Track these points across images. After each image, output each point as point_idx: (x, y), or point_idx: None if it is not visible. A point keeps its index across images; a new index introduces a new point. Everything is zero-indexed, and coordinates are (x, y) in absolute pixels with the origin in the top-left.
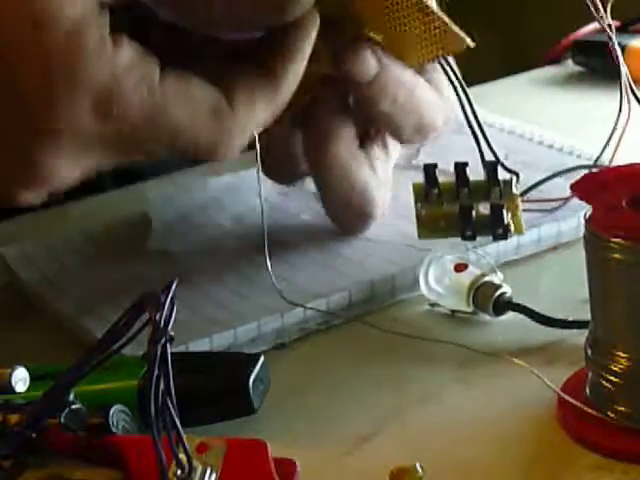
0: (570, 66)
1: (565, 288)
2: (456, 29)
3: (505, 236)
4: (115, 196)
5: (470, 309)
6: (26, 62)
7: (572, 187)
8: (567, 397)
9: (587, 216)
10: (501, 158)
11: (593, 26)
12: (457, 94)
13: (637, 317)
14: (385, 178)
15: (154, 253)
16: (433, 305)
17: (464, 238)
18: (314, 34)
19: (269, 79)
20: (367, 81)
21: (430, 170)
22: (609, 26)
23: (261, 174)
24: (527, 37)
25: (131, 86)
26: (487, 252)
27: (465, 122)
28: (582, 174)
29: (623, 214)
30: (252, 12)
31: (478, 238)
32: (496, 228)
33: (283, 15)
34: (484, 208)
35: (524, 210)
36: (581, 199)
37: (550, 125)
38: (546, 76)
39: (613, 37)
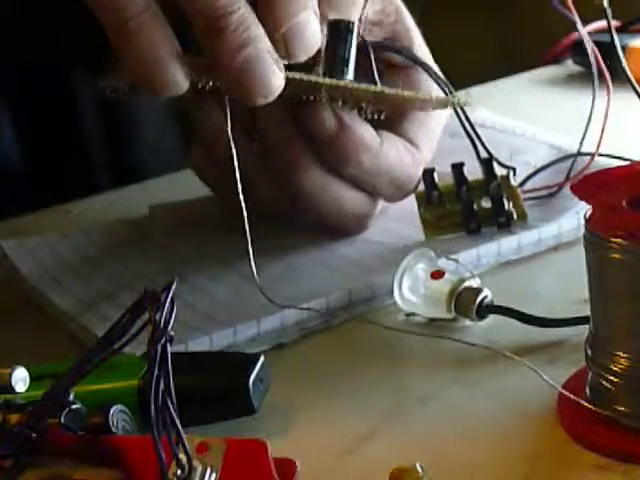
0: (570, 66)
1: (565, 288)
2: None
3: (509, 224)
4: (115, 196)
5: (451, 316)
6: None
7: (572, 187)
8: (568, 394)
9: (587, 216)
10: (505, 158)
11: (593, 26)
12: (446, 94)
13: (637, 317)
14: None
15: (154, 252)
16: (409, 315)
17: (469, 232)
18: None
19: None
20: (326, 140)
21: (428, 175)
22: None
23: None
24: (527, 37)
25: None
26: (487, 253)
27: (459, 124)
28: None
29: (623, 214)
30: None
31: (462, 246)
32: (499, 217)
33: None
34: (485, 202)
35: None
36: (581, 199)
37: (550, 125)
38: (546, 76)
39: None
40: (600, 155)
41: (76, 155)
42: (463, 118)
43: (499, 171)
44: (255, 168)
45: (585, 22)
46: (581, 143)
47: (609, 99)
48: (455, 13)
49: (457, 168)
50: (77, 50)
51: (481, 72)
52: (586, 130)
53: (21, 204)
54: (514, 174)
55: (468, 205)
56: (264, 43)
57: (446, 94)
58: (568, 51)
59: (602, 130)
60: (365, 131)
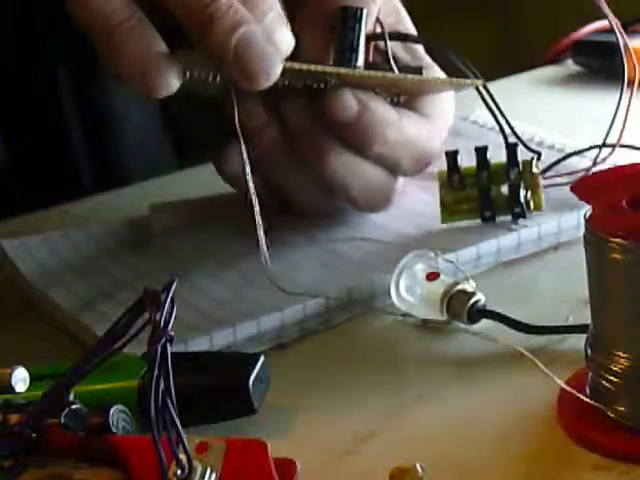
0: (570, 66)
1: (565, 288)
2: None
3: (523, 214)
4: (115, 196)
5: (444, 318)
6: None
7: (572, 187)
8: (571, 389)
9: (587, 216)
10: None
11: (593, 26)
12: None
13: (637, 317)
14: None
15: (154, 252)
16: (404, 315)
17: (484, 220)
18: None
19: None
20: (349, 122)
21: (451, 157)
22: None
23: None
24: (527, 37)
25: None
26: (487, 251)
27: (486, 107)
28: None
29: (623, 214)
30: None
31: (460, 242)
32: (514, 207)
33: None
34: (504, 189)
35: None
36: (581, 199)
37: (550, 125)
38: (546, 76)
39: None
40: (622, 146)
41: (60, 157)
42: (489, 101)
43: (524, 157)
44: (282, 157)
45: (584, 23)
46: (607, 135)
47: (631, 96)
48: (455, 14)
49: (480, 152)
50: (62, 51)
51: (481, 72)
52: (613, 122)
53: (9, 204)
54: (538, 159)
55: (485, 192)
56: (255, 25)
57: (469, 76)
58: (568, 51)
59: (623, 125)
60: (384, 107)
